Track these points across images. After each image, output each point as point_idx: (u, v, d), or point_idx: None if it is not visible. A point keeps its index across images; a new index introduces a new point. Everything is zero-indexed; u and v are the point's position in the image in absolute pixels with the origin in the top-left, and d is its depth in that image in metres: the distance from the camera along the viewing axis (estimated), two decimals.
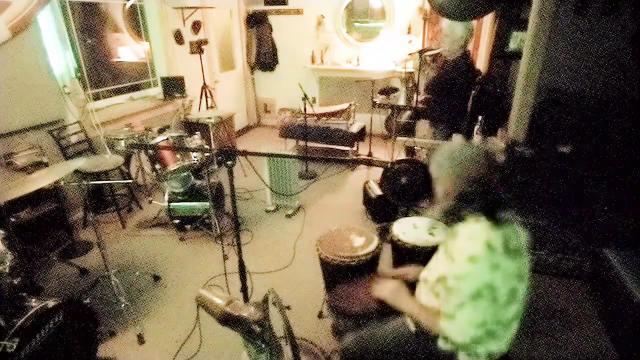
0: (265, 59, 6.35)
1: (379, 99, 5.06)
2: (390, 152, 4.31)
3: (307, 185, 4.27)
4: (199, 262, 3.02)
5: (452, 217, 1.35)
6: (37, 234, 3.01)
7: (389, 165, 3.13)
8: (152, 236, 3.40)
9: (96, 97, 4.00)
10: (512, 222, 1.25)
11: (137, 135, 3.69)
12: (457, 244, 1.31)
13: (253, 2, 6.13)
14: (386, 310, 1.55)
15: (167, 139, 3.10)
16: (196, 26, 5.14)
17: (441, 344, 1.36)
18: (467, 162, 1.25)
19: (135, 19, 4.45)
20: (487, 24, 4.07)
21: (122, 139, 3.63)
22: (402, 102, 5.43)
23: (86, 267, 2.89)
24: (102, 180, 3.45)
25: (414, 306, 1.44)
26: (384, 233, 3.13)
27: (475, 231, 1.25)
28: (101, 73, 4.15)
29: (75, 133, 3.57)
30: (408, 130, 4.76)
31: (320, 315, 2.41)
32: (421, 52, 3.83)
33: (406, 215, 3.23)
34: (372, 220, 3.54)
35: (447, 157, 1.30)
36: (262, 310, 1.36)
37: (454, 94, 3.17)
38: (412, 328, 1.48)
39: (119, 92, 4.29)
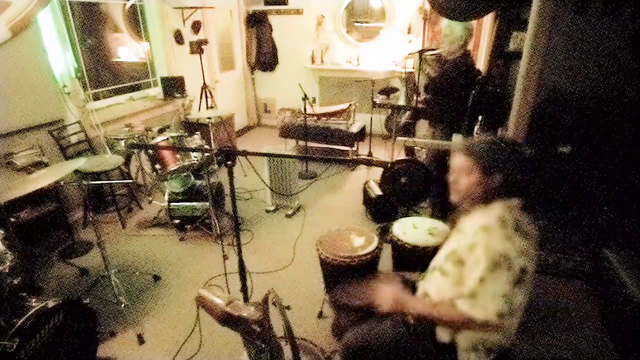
0: (265, 59, 6.35)
1: (379, 99, 5.06)
2: (390, 152, 4.31)
3: (307, 185, 4.26)
4: (199, 262, 3.02)
5: (473, 206, 1.36)
6: (37, 234, 3.01)
7: (389, 165, 3.13)
8: (152, 236, 3.40)
9: (96, 97, 4.00)
10: (525, 210, 1.29)
11: (137, 135, 3.69)
12: (470, 220, 1.34)
13: (253, 2, 6.13)
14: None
15: (167, 139, 3.10)
16: (196, 26, 5.14)
17: (440, 336, 1.36)
18: (495, 153, 1.30)
19: (135, 19, 4.45)
20: (487, 24, 4.07)
21: (122, 139, 3.63)
22: (402, 102, 5.42)
23: (86, 267, 2.89)
24: (102, 180, 3.46)
25: (425, 305, 1.38)
26: (384, 233, 3.12)
27: (489, 207, 1.29)
28: (101, 73, 4.15)
29: (75, 133, 3.57)
30: (408, 130, 4.76)
31: (320, 315, 2.41)
32: (421, 52, 3.83)
33: (406, 215, 3.23)
34: (372, 220, 3.54)
35: (471, 148, 1.34)
36: (262, 310, 1.36)
37: (454, 94, 3.16)
38: (412, 325, 1.48)
39: (119, 92, 4.29)
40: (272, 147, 5.32)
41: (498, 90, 3.65)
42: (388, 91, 5.21)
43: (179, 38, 4.85)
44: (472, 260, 1.22)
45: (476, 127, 2.79)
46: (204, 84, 4.83)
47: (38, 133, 3.23)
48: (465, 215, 1.39)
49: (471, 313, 1.19)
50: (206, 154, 3.20)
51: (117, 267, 2.79)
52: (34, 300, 1.78)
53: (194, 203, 3.30)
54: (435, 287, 1.42)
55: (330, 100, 6.00)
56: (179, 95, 4.62)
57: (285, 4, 5.97)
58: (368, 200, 3.61)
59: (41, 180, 2.02)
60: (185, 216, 3.34)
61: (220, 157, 1.69)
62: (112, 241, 3.30)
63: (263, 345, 1.37)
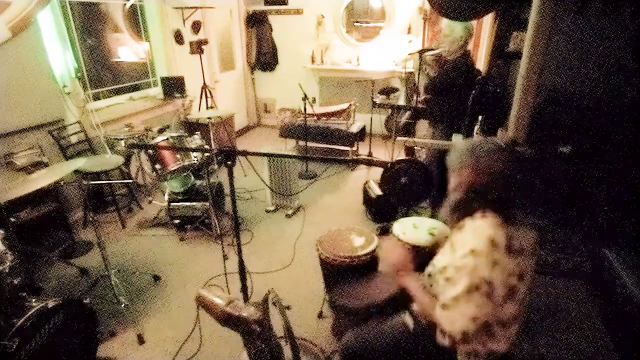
0: (265, 59, 6.35)
1: (379, 99, 5.06)
2: (390, 152, 4.31)
3: (307, 185, 4.26)
4: (199, 262, 3.02)
5: (460, 210, 1.34)
6: (37, 234, 3.01)
7: (389, 165, 3.13)
8: (152, 236, 3.40)
9: (96, 97, 4.00)
10: (520, 222, 1.26)
11: (137, 135, 3.69)
12: (462, 237, 1.32)
13: (253, 2, 6.13)
14: (386, 308, 1.55)
15: (167, 139, 3.10)
16: (196, 26, 5.14)
17: (439, 339, 1.36)
18: (484, 156, 1.27)
19: (135, 19, 4.45)
20: (487, 24, 4.07)
21: (122, 139, 3.63)
22: (402, 102, 5.43)
23: (86, 267, 2.89)
24: (102, 180, 3.46)
25: (421, 292, 1.43)
26: (384, 233, 3.13)
27: (480, 226, 1.25)
28: (101, 73, 4.15)
29: (75, 133, 3.57)
30: (408, 130, 4.76)
31: (320, 315, 2.41)
32: (421, 52, 3.82)
33: (406, 215, 3.23)
34: (372, 220, 3.54)
35: (465, 150, 1.32)
36: (262, 310, 1.36)
37: (454, 94, 3.16)
38: (411, 326, 1.48)
39: (119, 92, 4.29)
40: (272, 147, 5.33)
41: (498, 90, 3.65)
42: (388, 91, 5.21)
43: (179, 38, 4.85)
44: (457, 278, 1.23)
45: (476, 127, 2.79)
46: (204, 84, 4.82)
47: (38, 133, 3.23)
48: (458, 229, 1.37)
49: (440, 321, 1.26)
50: (206, 154, 3.20)
51: (117, 267, 2.79)
52: (34, 300, 1.78)
53: (194, 203, 3.30)
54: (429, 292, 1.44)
55: (330, 100, 6.00)
56: (179, 95, 4.62)
57: (285, 4, 5.97)
58: (368, 200, 3.61)
59: (41, 180, 2.03)
60: (185, 216, 3.34)
61: (220, 157, 1.69)
62: (112, 241, 3.30)
63: (263, 345, 1.37)
